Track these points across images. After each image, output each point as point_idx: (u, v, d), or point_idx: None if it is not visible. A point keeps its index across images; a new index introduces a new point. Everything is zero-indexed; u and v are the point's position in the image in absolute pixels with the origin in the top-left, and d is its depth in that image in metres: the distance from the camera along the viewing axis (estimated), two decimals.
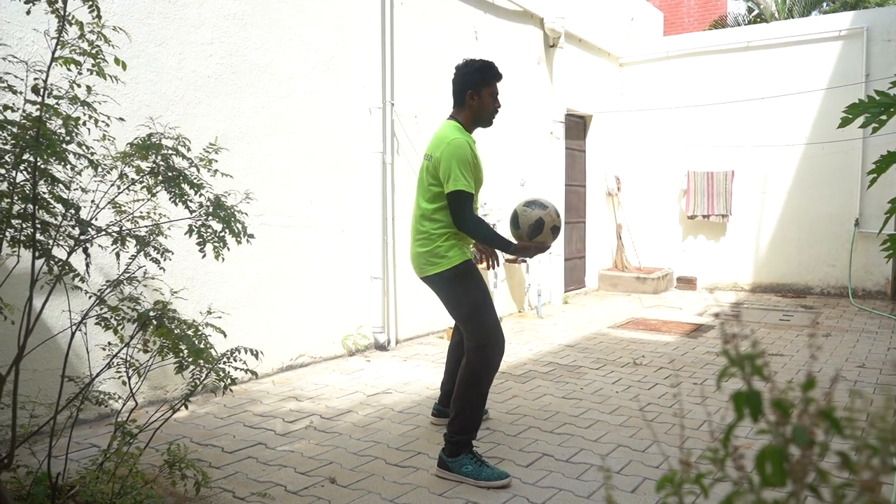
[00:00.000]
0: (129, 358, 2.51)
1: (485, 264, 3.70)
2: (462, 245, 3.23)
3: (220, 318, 2.74)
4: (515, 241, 3.27)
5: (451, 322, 6.31)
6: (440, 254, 3.18)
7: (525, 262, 7.20)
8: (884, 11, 8.37)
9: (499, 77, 3.33)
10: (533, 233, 3.23)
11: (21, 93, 2.31)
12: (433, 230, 3.20)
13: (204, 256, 2.55)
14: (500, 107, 3.36)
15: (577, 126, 8.97)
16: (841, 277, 8.52)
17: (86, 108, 2.36)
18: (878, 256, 8.10)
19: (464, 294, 3.18)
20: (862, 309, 7.64)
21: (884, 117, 2.71)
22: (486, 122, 3.36)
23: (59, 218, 2.34)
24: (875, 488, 0.63)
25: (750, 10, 15.04)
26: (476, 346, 3.13)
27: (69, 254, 2.37)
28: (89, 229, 2.36)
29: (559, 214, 3.32)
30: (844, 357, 5.30)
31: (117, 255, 2.47)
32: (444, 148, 3.12)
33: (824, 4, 14.79)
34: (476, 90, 3.27)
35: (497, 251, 3.29)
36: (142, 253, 2.50)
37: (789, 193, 8.75)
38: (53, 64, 2.26)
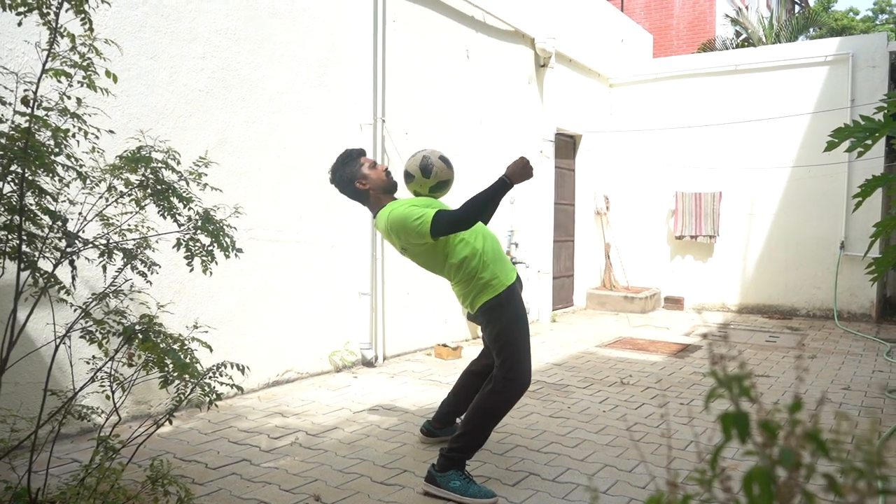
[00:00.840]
0: (113, 372, 2.48)
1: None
2: (500, 269, 3.21)
3: (206, 332, 2.72)
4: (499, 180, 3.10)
5: (442, 340, 6.31)
6: (481, 286, 3.17)
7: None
8: (869, 38, 8.51)
9: (362, 153, 3.38)
10: (425, 171, 3.23)
11: (10, 104, 2.30)
12: (464, 276, 3.19)
13: (192, 270, 2.54)
14: (385, 167, 3.37)
15: (566, 145, 9.03)
16: (826, 300, 8.58)
17: (76, 119, 2.35)
18: (863, 279, 8.16)
19: (505, 325, 3.16)
20: (847, 331, 7.69)
21: (869, 142, 2.75)
22: (390, 186, 3.33)
23: (46, 230, 2.33)
24: None
25: (738, 35, 15.25)
26: (504, 378, 3.13)
27: (55, 266, 2.35)
28: (76, 242, 2.35)
29: (437, 150, 3.35)
30: (829, 379, 5.33)
31: (104, 267, 2.45)
32: (395, 232, 3.12)
33: (811, 30, 15.03)
34: (360, 178, 3.29)
35: (504, 194, 3.16)
36: (129, 266, 2.48)
37: (776, 215, 8.83)
38: (44, 75, 2.26)
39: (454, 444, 3.09)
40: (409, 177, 3.31)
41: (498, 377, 3.15)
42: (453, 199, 3.37)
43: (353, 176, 3.30)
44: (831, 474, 0.70)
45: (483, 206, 3.03)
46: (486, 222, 3.50)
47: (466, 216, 3.00)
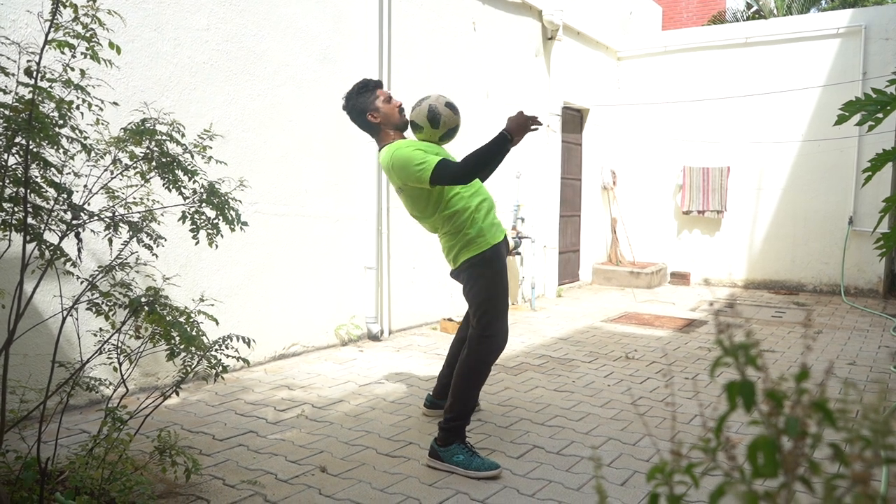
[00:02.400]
0: (120, 344, 2.50)
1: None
2: (488, 228, 3.21)
3: (212, 305, 2.73)
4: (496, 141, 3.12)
5: (448, 314, 6.33)
6: (467, 241, 3.18)
7: (519, 254, 7.20)
8: (882, 10, 8.37)
9: (379, 86, 3.33)
10: (433, 122, 3.22)
11: (14, 75, 2.29)
12: (452, 228, 3.20)
13: (197, 243, 2.54)
14: (399, 103, 3.33)
15: (573, 119, 8.95)
16: (834, 275, 8.55)
17: (79, 91, 2.33)
18: (871, 255, 8.13)
19: (485, 281, 3.17)
20: (854, 307, 7.67)
21: (880, 115, 2.71)
22: (401, 123, 3.32)
23: (52, 202, 2.33)
24: (867, 480, 0.62)
25: (748, 6, 15.03)
26: (480, 336, 3.15)
27: (61, 238, 2.35)
28: (82, 214, 2.34)
29: (441, 95, 3.32)
30: (835, 354, 5.32)
31: (110, 240, 2.46)
32: (396, 171, 3.12)
33: (822, 2, 14.79)
34: (371, 110, 3.27)
35: (506, 149, 3.17)
36: (134, 239, 2.48)
37: (784, 190, 8.77)
38: (47, 47, 2.24)
39: (447, 414, 3.11)
40: (416, 127, 3.29)
41: (473, 337, 3.16)
42: (459, 154, 3.35)
43: (365, 107, 3.27)
44: (837, 443, 0.70)
45: (485, 161, 3.03)
46: (484, 178, 3.50)
47: (467, 170, 3.01)
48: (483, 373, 3.19)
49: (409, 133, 3.40)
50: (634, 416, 3.79)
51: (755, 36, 8.84)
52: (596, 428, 3.61)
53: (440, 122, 3.23)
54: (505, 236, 3.34)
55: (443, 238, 3.29)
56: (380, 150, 3.32)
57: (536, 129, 3.16)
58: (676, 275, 9.49)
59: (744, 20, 14.12)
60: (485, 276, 3.17)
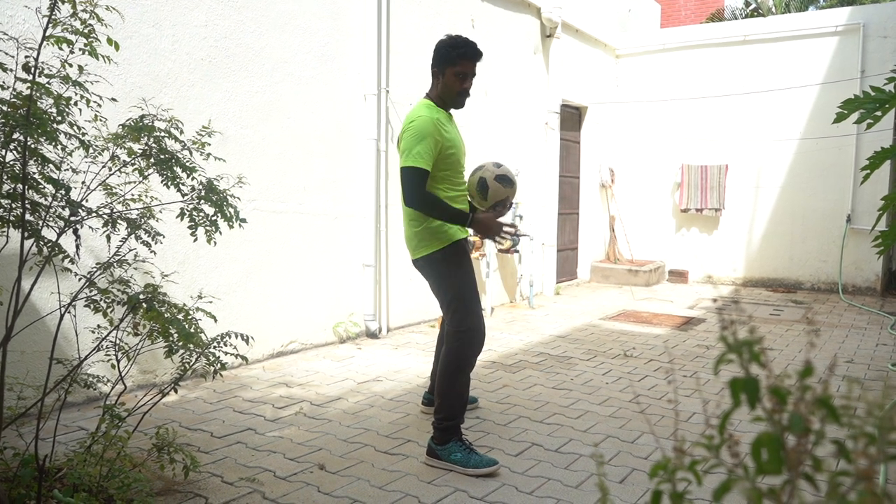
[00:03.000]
0: (118, 341, 2.49)
1: (478, 251, 3.61)
2: (452, 225, 3.18)
3: (210, 302, 2.73)
4: (475, 212, 3.23)
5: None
6: (430, 232, 3.15)
7: (517, 251, 7.20)
8: (881, 8, 8.37)
9: (467, 57, 3.16)
10: (481, 192, 3.23)
11: (12, 71, 2.28)
12: (418, 214, 3.17)
13: (196, 240, 2.54)
14: (467, 88, 3.21)
15: (572, 117, 8.95)
16: (832, 273, 8.56)
17: (77, 87, 2.33)
18: (869, 253, 8.14)
19: (450, 277, 3.16)
20: (852, 305, 7.68)
21: (878, 113, 2.71)
22: (452, 104, 3.25)
23: (49, 198, 2.32)
24: (871, 477, 0.62)
25: (747, 4, 15.02)
26: (454, 331, 3.14)
27: (59, 235, 2.34)
28: (80, 210, 2.34)
29: (514, 194, 3.33)
30: (833, 353, 5.33)
31: (108, 237, 2.45)
32: (407, 127, 3.10)
33: (821, 0, 14.79)
34: (440, 68, 3.19)
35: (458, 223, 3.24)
36: (133, 236, 2.48)
37: (782, 188, 8.77)
38: (45, 42, 2.23)
39: (437, 414, 3.10)
40: (496, 171, 3.27)
41: (449, 333, 3.15)
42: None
43: (439, 61, 3.19)
44: (840, 440, 0.69)
45: (437, 216, 3.09)
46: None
47: (418, 206, 3.04)
48: (464, 370, 3.16)
49: (460, 113, 3.33)
50: (633, 414, 3.80)
51: (753, 34, 8.84)
52: (594, 426, 3.61)
53: (483, 195, 3.24)
54: (468, 236, 3.33)
55: (407, 224, 3.25)
56: (424, 96, 3.29)
57: (502, 241, 3.20)
58: (674, 273, 9.50)
59: (742, 18, 14.11)
60: (449, 271, 3.16)
